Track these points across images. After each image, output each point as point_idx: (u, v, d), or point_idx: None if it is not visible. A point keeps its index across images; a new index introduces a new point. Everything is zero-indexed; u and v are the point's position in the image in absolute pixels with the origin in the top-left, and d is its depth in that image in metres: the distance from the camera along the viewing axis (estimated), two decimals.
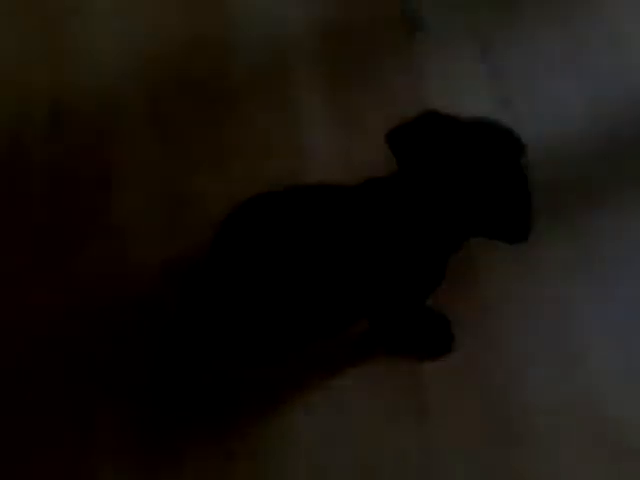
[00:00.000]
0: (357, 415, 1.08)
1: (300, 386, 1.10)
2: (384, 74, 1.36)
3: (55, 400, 1.08)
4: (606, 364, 1.12)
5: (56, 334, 1.12)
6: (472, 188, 0.90)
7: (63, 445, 1.05)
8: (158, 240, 1.19)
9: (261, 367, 1.09)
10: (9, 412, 1.07)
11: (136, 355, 1.11)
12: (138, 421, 1.07)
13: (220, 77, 1.36)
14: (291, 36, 1.41)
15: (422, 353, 1.12)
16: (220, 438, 1.06)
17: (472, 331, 1.13)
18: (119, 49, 1.38)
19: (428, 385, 1.10)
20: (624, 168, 1.29)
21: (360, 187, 0.97)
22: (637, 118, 1.34)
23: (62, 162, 1.27)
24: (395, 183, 0.93)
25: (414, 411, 1.08)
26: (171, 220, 1.22)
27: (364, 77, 1.35)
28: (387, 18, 1.42)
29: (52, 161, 1.27)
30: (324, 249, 0.94)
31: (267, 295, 0.96)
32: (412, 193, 0.91)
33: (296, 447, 1.05)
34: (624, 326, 1.15)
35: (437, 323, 1.13)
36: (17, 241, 1.20)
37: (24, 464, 1.03)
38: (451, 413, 1.08)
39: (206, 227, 1.07)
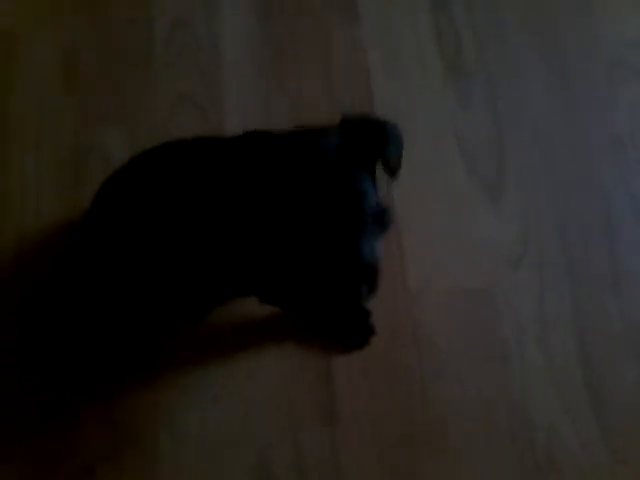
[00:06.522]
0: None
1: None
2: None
3: None
4: (527, 363, 1.10)
5: None
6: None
7: None
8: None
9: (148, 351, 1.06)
10: None
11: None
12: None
13: None
14: None
15: (338, 344, 1.07)
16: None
17: (391, 325, 1.08)
18: None
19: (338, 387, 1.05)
20: None
21: (231, 142, 0.87)
22: None
23: None
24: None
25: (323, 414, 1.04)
26: None
27: None
28: None
29: None
30: (187, 213, 0.87)
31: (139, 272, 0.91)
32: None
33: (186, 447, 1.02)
34: None
35: (354, 314, 1.07)
36: None
37: None
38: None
39: None
